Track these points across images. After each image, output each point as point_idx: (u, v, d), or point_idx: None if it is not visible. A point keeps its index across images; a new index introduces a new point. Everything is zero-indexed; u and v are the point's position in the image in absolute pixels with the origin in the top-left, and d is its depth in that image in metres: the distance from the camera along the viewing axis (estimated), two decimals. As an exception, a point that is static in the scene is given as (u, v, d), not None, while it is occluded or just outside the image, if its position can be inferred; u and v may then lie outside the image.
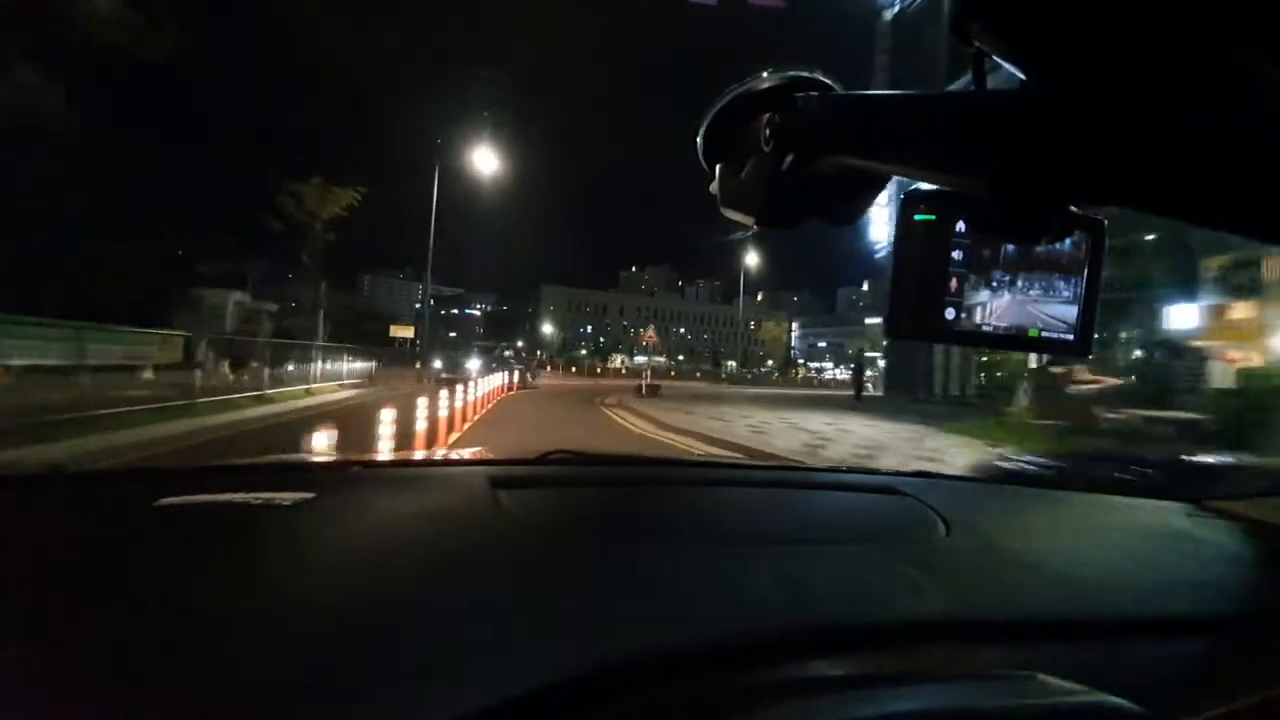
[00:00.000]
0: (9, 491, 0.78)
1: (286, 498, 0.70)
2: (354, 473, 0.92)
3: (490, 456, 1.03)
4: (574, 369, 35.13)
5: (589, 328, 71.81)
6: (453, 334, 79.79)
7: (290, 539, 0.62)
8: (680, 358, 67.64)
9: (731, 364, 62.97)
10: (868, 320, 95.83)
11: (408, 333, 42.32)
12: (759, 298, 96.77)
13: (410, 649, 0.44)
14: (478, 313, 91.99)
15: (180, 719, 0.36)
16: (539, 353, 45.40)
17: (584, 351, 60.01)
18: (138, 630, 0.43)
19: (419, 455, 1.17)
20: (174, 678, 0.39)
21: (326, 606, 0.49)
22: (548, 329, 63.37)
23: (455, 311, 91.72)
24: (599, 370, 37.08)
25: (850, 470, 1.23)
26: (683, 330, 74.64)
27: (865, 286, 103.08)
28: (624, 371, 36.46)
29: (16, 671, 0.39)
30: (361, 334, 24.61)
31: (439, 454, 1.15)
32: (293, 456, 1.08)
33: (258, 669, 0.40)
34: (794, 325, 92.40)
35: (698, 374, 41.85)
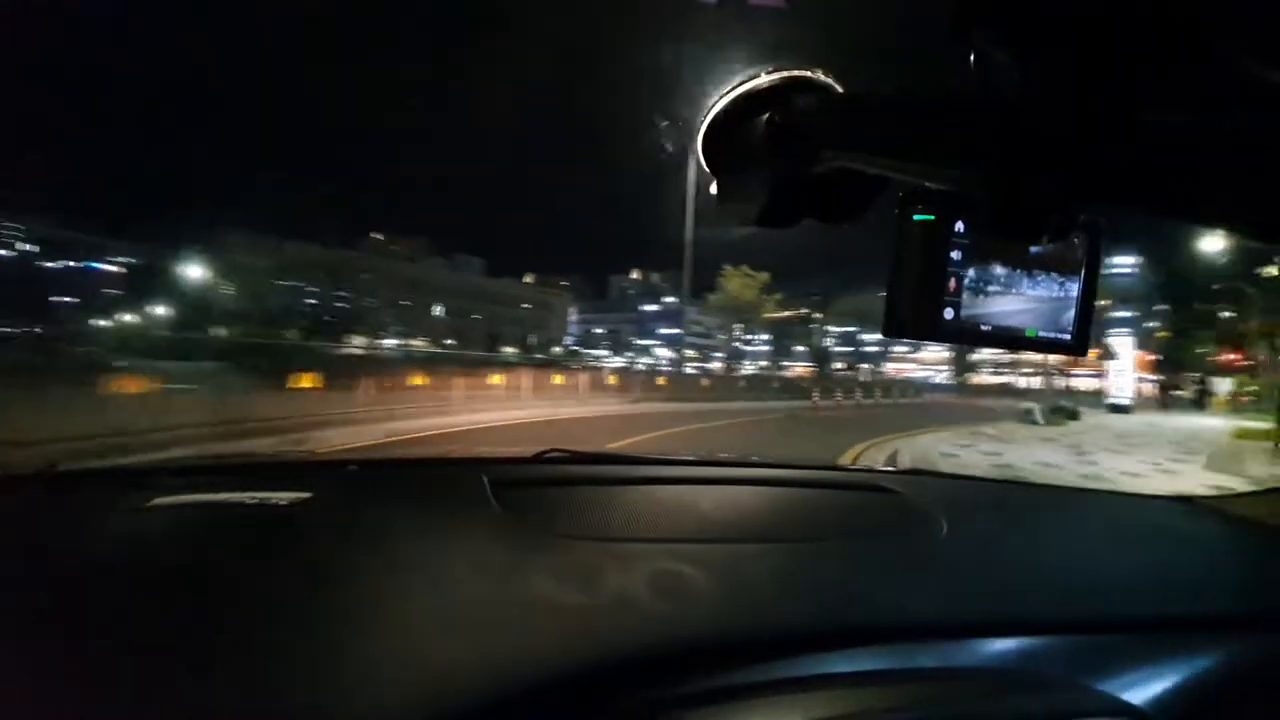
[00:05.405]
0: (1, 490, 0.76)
1: (283, 497, 0.69)
2: (351, 471, 0.93)
3: (487, 455, 1.04)
4: (307, 377, 10.32)
5: (312, 300, 52.14)
6: (66, 299, 50.85)
7: (286, 538, 0.62)
8: (449, 341, 53.78)
9: (510, 350, 51.98)
10: (643, 308, 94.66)
11: None
12: (527, 279, 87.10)
13: (406, 646, 0.44)
14: (114, 268, 60.99)
15: (175, 718, 0.35)
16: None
17: (297, 330, 41.26)
18: (133, 629, 0.43)
19: (417, 454, 1.11)
20: (168, 678, 0.38)
21: (323, 605, 0.48)
22: (230, 294, 40.38)
23: (70, 264, 59.47)
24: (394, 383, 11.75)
25: (848, 469, 1.30)
26: (440, 310, 60.26)
27: (636, 274, 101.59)
28: (414, 378, 11.88)
29: (7, 672, 0.38)
30: None
31: (436, 452, 1.12)
32: (290, 455, 0.99)
33: (253, 668, 0.40)
34: (571, 310, 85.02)
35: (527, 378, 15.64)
